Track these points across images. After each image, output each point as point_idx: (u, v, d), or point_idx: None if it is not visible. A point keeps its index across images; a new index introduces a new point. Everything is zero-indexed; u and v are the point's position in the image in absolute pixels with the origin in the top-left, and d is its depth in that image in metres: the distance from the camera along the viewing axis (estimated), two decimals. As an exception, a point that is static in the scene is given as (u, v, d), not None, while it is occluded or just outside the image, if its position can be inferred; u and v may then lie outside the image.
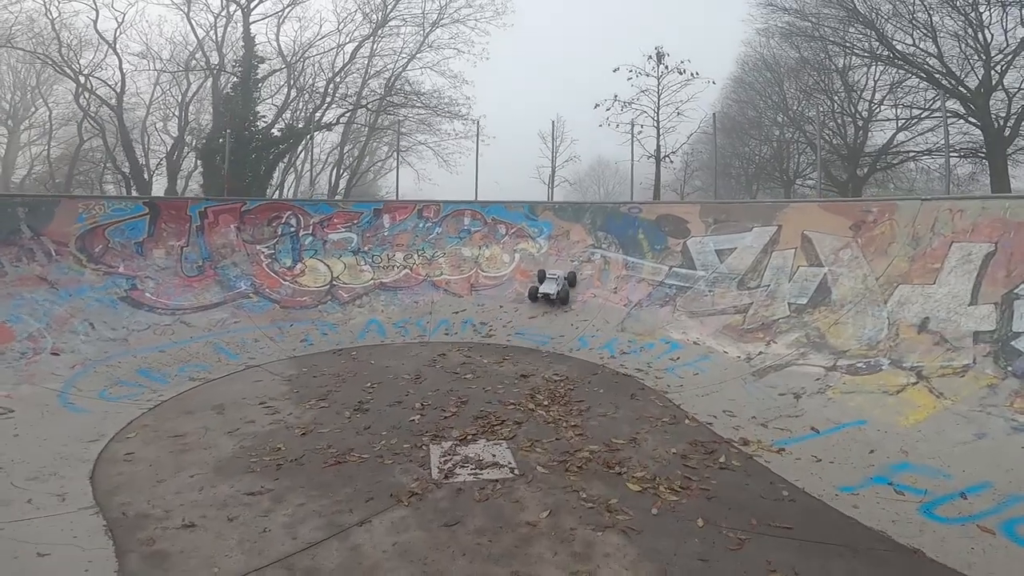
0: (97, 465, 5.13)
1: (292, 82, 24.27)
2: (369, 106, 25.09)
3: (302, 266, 11.43)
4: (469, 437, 6.00)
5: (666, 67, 18.74)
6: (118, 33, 22.30)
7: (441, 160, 26.21)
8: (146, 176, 25.25)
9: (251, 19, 22.41)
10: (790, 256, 9.26)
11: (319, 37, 24.15)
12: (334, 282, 11.39)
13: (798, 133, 24.39)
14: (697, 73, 18.51)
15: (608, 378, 8.10)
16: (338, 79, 24.37)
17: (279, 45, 23.90)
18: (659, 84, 18.89)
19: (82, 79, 22.84)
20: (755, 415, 6.50)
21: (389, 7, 23.79)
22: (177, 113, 25.85)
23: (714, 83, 20.04)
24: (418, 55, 24.82)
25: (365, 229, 12.32)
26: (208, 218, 11.00)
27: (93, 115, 24.18)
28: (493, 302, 11.21)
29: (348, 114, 25.48)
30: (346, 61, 24.17)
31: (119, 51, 22.50)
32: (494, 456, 5.56)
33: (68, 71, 22.45)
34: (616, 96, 18.76)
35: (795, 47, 22.73)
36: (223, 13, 22.72)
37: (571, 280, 11.35)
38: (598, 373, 8.31)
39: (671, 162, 20.11)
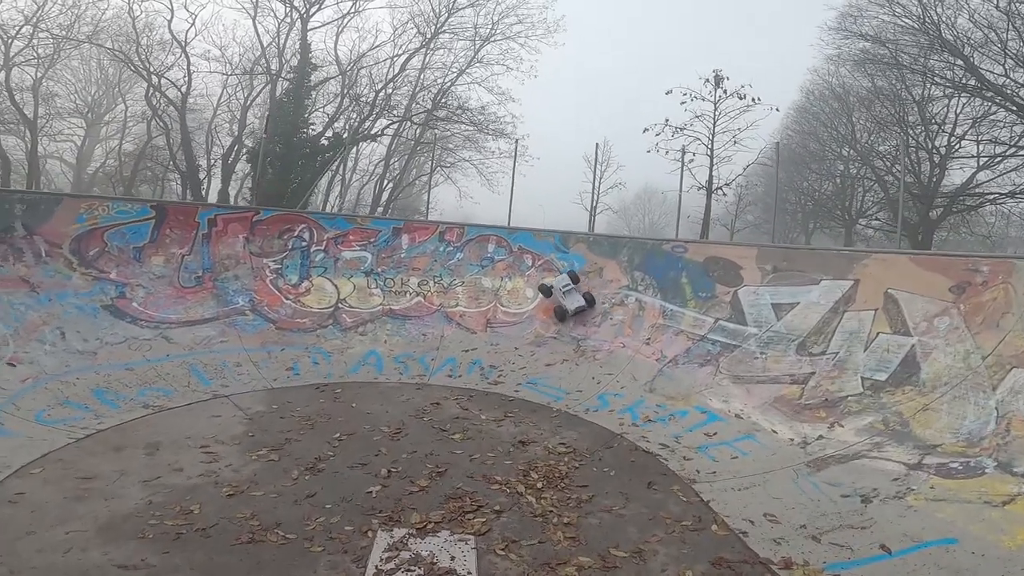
0: None
1: (346, 91, 24.32)
2: (414, 119, 24.85)
3: (308, 284, 10.61)
4: (431, 526, 4.74)
5: (724, 91, 17.37)
6: (190, 34, 23.06)
7: (484, 179, 25.65)
8: (200, 176, 25.85)
9: (309, 26, 22.61)
10: (868, 319, 7.58)
11: (373, 48, 24.27)
12: (339, 304, 10.50)
13: (865, 168, 22.21)
14: (759, 99, 16.95)
15: (624, 454, 6.64)
16: (388, 90, 24.28)
17: (336, 54, 24.07)
18: (715, 109, 17.51)
19: (154, 79, 23.71)
20: (806, 523, 4.95)
21: (441, 20, 23.58)
22: (239, 116, 26.52)
23: (777, 110, 18.41)
24: (468, 70, 24.57)
25: (381, 249, 11.43)
26: (217, 226, 10.41)
27: (161, 114, 25.04)
28: (509, 342, 9.97)
29: (394, 126, 25.35)
30: (396, 73, 24.06)
31: (188, 52, 23.26)
32: (452, 560, 4.28)
33: (142, 70, 23.35)
34: (667, 120, 17.50)
35: (868, 75, 20.76)
36: (286, 19, 23.10)
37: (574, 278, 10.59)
38: (613, 446, 6.87)
39: (724, 194, 18.53)
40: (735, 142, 17.54)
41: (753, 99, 17.07)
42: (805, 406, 7.16)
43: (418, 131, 25.88)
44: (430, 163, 30.48)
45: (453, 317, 10.71)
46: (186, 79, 23.42)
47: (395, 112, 24.88)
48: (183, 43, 22.85)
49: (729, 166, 18.26)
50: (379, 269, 11.19)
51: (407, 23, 24.06)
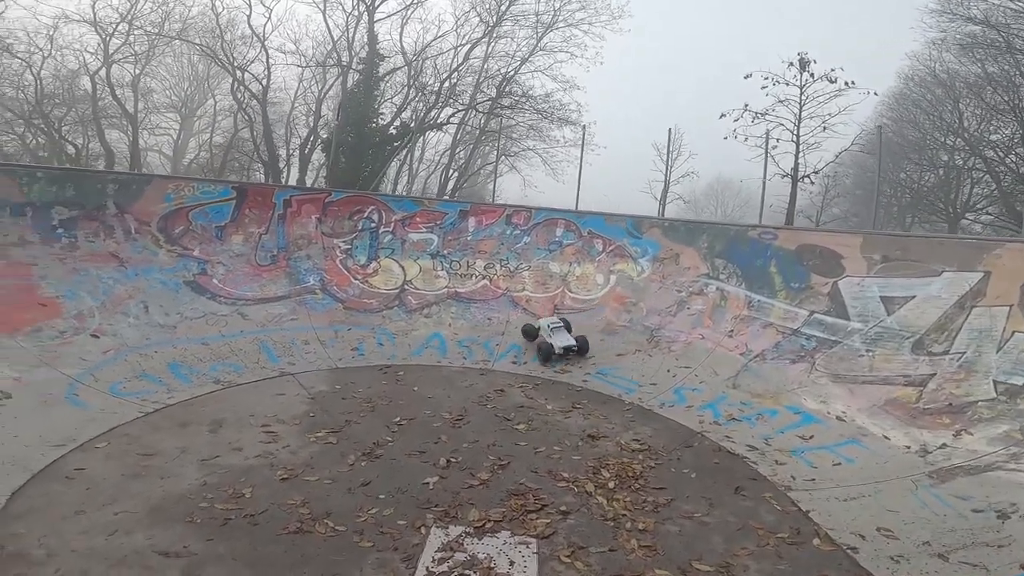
0: (33, 479, 4.40)
1: (412, 81, 24.49)
2: (479, 107, 24.65)
3: (376, 265, 10.57)
4: (490, 525, 4.38)
5: (811, 75, 15.87)
6: (267, 29, 23.93)
7: (549, 168, 25.16)
8: (280, 166, 26.99)
9: (375, 17, 22.87)
10: (1001, 316, 6.49)
11: (436, 38, 24.18)
12: (406, 286, 10.39)
13: (974, 159, 19.67)
14: (853, 82, 15.33)
15: (706, 455, 6.00)
16: (452, 79, 24.24)
17: (402, 45, 24.26)
18: (801, 94, 16.04)
19: (238, 73, 24.88)
20: (929, 540, 4.26)
21: (503, 9, 23.14)
22: (314, 108, 27.43)
23: (875, 94, 16.68)
24: (530, 59, 24.09)
25: (447, 231, 11.20)
26: (292, 207, 10.55)
27: (245, 107, 26.29)
28: (577, 329, 9.44)
29: (459, 115, 25.32)
30: (460, 62, 23.93)
31: (266, 47, 24.18)
32: (511, 565, 3.90)
33: (226, 64, 24.56)
34: (747, 106, 16.21)
35: (977, 61, 18.30)
36: (353, 12, 23.44)
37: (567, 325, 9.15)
38: (693, 445, 6.22)
39: (811, 182, 16.99)
40: (824, 128, 16.07)
41: (847, 82, 15.55)
42: (924, 411, 6.22)
43: (483, 120, 25.70)
44: (495, 152, 30.43)
45: (519, 302, 10.32)
46: (266, 73, 24.37)
47: (460, 101, 24.79)
48: (262, 37, 23.77)
49: (818, 153, 16.79)
50: (445, 251, 10.98)
51: (468, 12, 23.83)
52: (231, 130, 30.08)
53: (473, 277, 10.71)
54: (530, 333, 9.20)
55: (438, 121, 25.21)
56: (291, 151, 28.44)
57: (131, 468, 4.72)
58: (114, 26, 23.21)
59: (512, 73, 24.40)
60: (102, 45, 23.74)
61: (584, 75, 24.95)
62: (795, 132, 16.41)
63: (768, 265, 9.05)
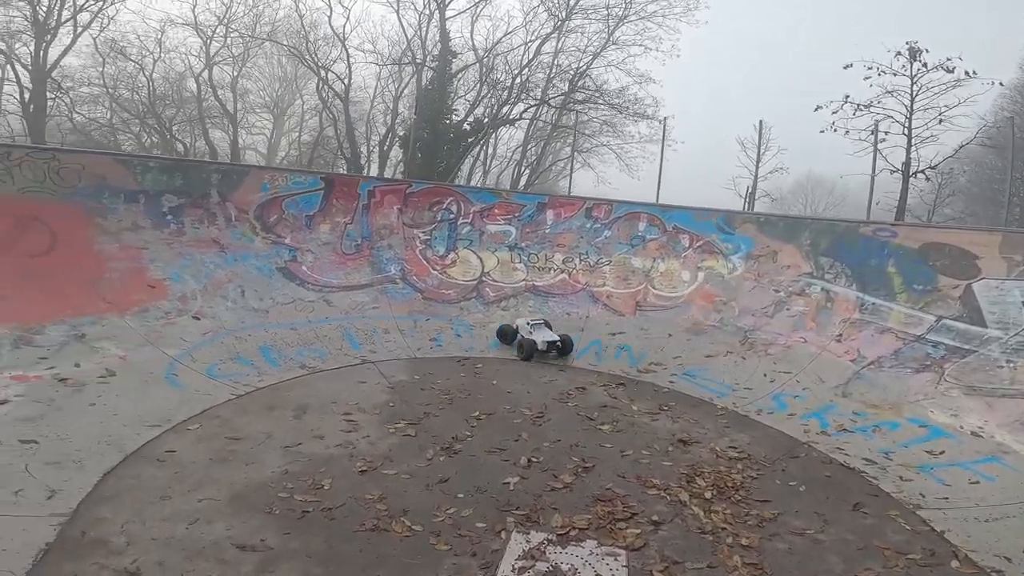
0: (125, 460, 4.53)
1: (483, 78, 24.54)
2: (552, 102, 24.26)
3: (454, 256, 10.55)
4: (574, 532, 4.10)
5: (923, 65, 14.27)
6: (347, 29, 24.81)
7: (623, 164, 24.43)
8: (362, 163, 27.96)
9: (447, 15, 23.09)
10: None
11: (506, 34, 24.05)
12: (483, 277, 10.28)
13: None
14: (974, 72, 13.65)
15: (814, 467, 5.41)
16: (523, 75, 24.07)
17: (473, 42, 24.37)
18: (913, 84, 14.51)
19: (322, 72, 25.99)
20: None
21: (572, 2, 22.63)
22: (391, 106, 28.23)
23: (1001, 84, 14.88)
24: (602, 53, 23.47)
25: (525, 224, 10.98)
26: (375, 197, 10.73)
27: (329, 106, 27.44)
28: (661, 328, 8.92)
29: (532, 110, 25.11)
30: (531, 58, 23.67)
31: (347, 47, 25.08)
32: (598, 578, 3.61)
33: (311, 64, 25.71)
34: (847, 97, 14.90)
35: None
36: (425, 11, 23.76)
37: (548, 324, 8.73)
38: (799, 456, 5.65)
39: (927, 178, 15.35)
40: (941, 120, 14.48)
41: (967, 72, 13.88)
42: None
43: (555, 115, 25.33)
44: (567, 148, 30.04)
45: (599, 297, 9.92)
46: (347, 72, 25.28)
47: (532, 96, 24.55)
48: (342, 38, 24.66)
49: (934, 147, 15.14)
50: (523, 244, 10.78)
51: (537, 7, 23.47)
52: (317, 128, 31.61)
53: (551, 271, 10.43)
54: (507, 334, 8.75)
55: (510, 117, 25.15)
56: (371, 148, 29.45)
57: (218, 452, 4.82)
58: (213, 29, 24.91)
59: (584, 68, 23.94)
60: (204, 48, 25.56)
61: (660, 69, 23.94)
62: (906, 125, 14.97)
63: (885, 265, 8.10)
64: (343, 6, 24.53)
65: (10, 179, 7.16)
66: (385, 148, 27.90)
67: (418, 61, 24.72)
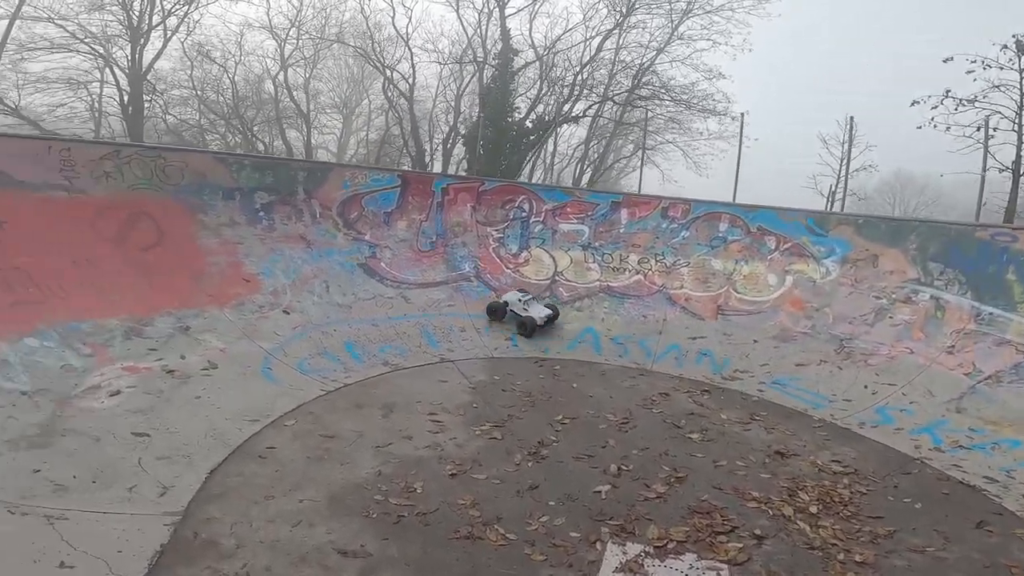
0: (231, 456, 4.70)
1: (544, 76, 24.37)
2: (615, 99, 23.75)
3: (527, 255, 10.50)
4: (672, 545, 3.96)
5: None
6: (410, 29, 25.27)
7: (690, 162, 23.64)
8: (427, 160, 28.46)
9: (506, 12, 23.06)
10: None
11: (566, 31, 23.71)
12: (556, 277, 10.18)
13: None
14: None
15: (930, 484, 5.05)
16: (584, 73, 23.71)
17: (532, 40, 24.25)
18: (1022, 79, 13.17)
19: (387, 72, 26.63)
20: None
21: None
22: (453, 105, 28.58)
23: None
24: (666, 48, 22.69)
25: (599, 223, 10.77)
26: (448, 195, 10.83)
27: (394, 105, 28.09)
28: (745, 334, 8.52)
29: (594, 107, 24.69)
30: (592, 54, 23.26)
31: (410, 46, 25.56)
32: (706, 597, 3.45)
33: (377, 64, 26.40)
34: (948, 92, 13.74)
35: None
36: (484, 9, 23.83)
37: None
38: (912, 472, 5.26)
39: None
40: None
41: None
42: None
43: (619, 112, 24.80)
44: (630, 146, 29.45)
45: (677, 300, 9.59)
46: (411, 71, 25.78)
47: (595, 92, 24.15)
48: (406, 37, 25.16)
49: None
50: (596, 243, 10.58)
51: (596, 3, 22.94)
52: (383, 127, 32.45)
53: (626, 271, 10.18)
54: (497, 310, 8.98)
55: (572, 114, 24.88)
56: (434, 146, 29.93)
57: (314, 450, 4.93)
58: (286, 32, 26.03)
59: (648, 64, 23.29)
60: (279, 50, 26.74)
61: (731, 64, 22.90)
62: (1016, 121, 13.70)
63: (1004, 272, 7.36)
64: (405, 6, 24.94)
65: (121, 176, 7.61)
66: (448, 146, 28.31)
67: (479, 59, 24.93)
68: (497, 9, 23.64)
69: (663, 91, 23.36)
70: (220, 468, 4.50)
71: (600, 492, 4.62)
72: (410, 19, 25.83)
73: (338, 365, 6.99)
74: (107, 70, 24.61)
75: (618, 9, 22.59)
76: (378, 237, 9.77)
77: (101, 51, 23.95)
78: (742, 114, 14.15)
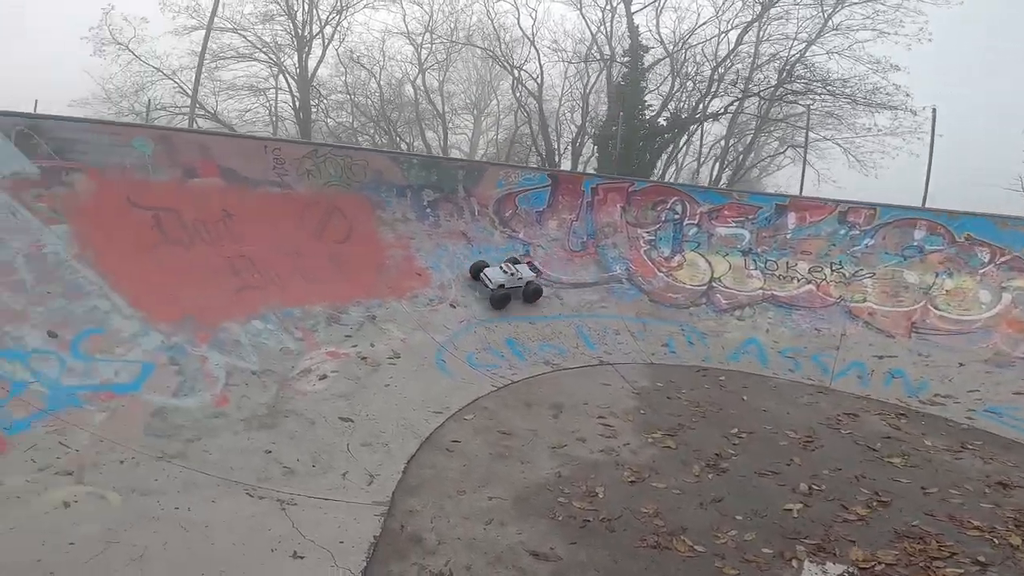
0: (422, 447, 4.96)
1: (675, 72, 23.26)
2: (762, 94, 21.93)
3: (680, 258, 10.14)
4: (880, 567, 3.63)
5: None
6: (535, 29, 25.60)
7: (852, 160, 21.20)
8: (556, 159, 28.64)
9: (632, 9, 22.31)
10: None
11: (698, 25, 22.38)
12: (713, 283, 9.71)
13: None
14: None
15: None
16: (722, 68, 22.15)
17: (660, 35, 23.26)
18: None
19: (516, 73, 27.21)
20: None
21: None
22: (581, 104, 28.44)
23: None
24: (819, 40, 20.57)
25: (761, 227, 10.08)
26: (598, 195, 10.81)
27: (523, 104, 28.63)
28: (948, 356, 7.48)
29: (735, 104, 23.05)
30: (731, 48, 21.77)
31: (537, 46, 25.86)
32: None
33: (506, 65, 27.10)
34: None
35: None
36: (608, 7, 23.35)
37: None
38: None
39: None
40: None
41: None
42: None
43: (764, 107, 22.91)
44: (774, 143, 27.20)
45: (858, 314, 8.68)
46: (539, 71, 26.17)
47: (737, 87, 22.54)
48: (532, 37, 25.50)
49: None
50: (759, 249, 9.92)
51: None
52: (512, 127, 33.24)
53: (795, 280, 9.43)
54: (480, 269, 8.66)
55: (709, 111, 23.55)
56: (563, 146, 30.04)
57: (495, 447, 5.09)
58: (421, 37, 27.68)
59: (797, 56, 21.29)
60: (416, 54, 28.52)
61: (907, 53, 20.07)
62: None
63: None
64: (528, 6, 25.52)
65: (319, 173, 8.47)
66: (577, 145, 28.26)
67: (605, 57, 24.56)
68: (622, 5, 23.17)
69: (819, 84, 21.31)
70: (415, 458, 4.73)
71: (791, 510, 4.33)
72: (535, 19, 26.20)
73: (503, 361, 7.25)
74: (280, 77, 28.02)
75: (756, 3, 21.02)
76: (531, 235, 10.01)
77: (274, 59, 27.29)
78: (933, 108, 12.44)
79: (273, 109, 28.67)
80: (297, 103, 28.78)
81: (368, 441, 4.87)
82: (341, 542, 3.52)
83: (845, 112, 21.06)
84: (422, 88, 30.14)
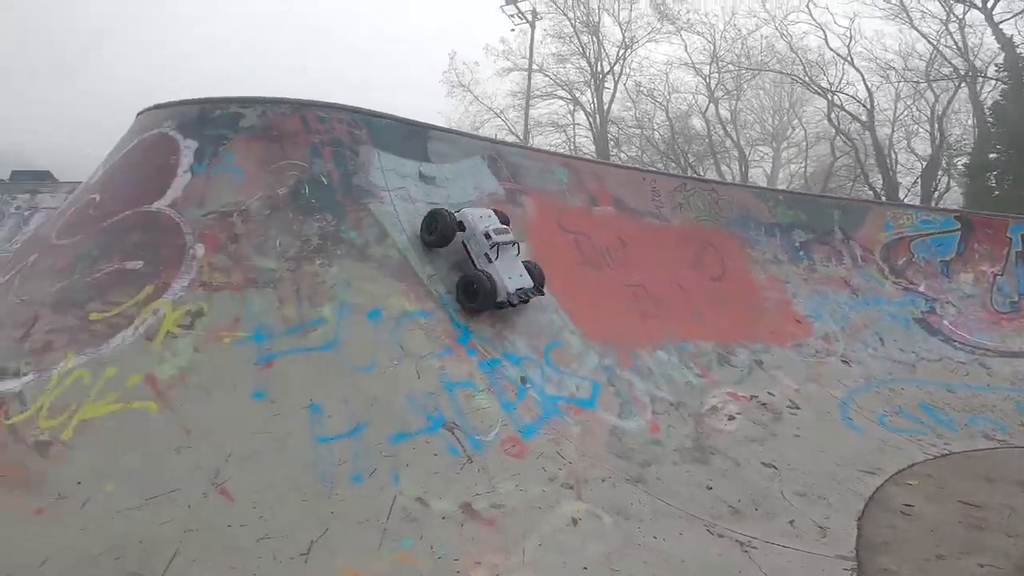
0: (868, 505, 4.35)
1: None
2: None
3: None
4: None
5: None
6: (851, 48, 22.04)
7: None
8: (896, 194, 24.08)
9: (997, 18, 17.61)
10: None
11: None
12: None
13: None
14: None
15: None
16: None
17: None
18: None
19: (831, 96, 23.74)
20: None
21: None
22: (928, 129, 23.45)
23: None
24: None
25: None
26: (1034, 243, 8.44)
27: (844, 132, 24.89)
28: None
29: None
30: None
31: (857, 67, 22.32)
32: None
33: (817, 89, 23.89)
34: None
35: None
36: (950, 18, 19.95)
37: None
38: None
39: None
40: None
41: None
42: None
43: None
44: None
45: None
46: (867, 94, 22.58)
47: None
48: (849, 58, 21.99)
49: None
50: None
51: None
52: (826, 158, 29.27)
53: None
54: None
55: None
56: (896, 177, 25.19)
57: (963, 517, 4.26)
58: (708, 67, 26.41)
59: None
60: (705, 84, 27.39)
61: None
62: None
63: None
64: (838, 25, 22.10)
65: (689, 207, 8.42)
66: (928, 178, 23.40)
67: (964, 73, 19.83)
68: (972, 13, 18.60)
69: None
70: (864, 516, 4.23)
71: None
72: (851, 37, 22.73)
73: (925, 429, 6.02)
74: (576, 112, 30.18)
75: None
76: (935, 290, 8.31)
77: (570, 96, 29.52)
78: None
79: (572, 144, 31.12)
80: (595, 136, 30.61)
81: (802, 492, 4.47)
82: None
83: None
84: (715, 118, 29.05)
